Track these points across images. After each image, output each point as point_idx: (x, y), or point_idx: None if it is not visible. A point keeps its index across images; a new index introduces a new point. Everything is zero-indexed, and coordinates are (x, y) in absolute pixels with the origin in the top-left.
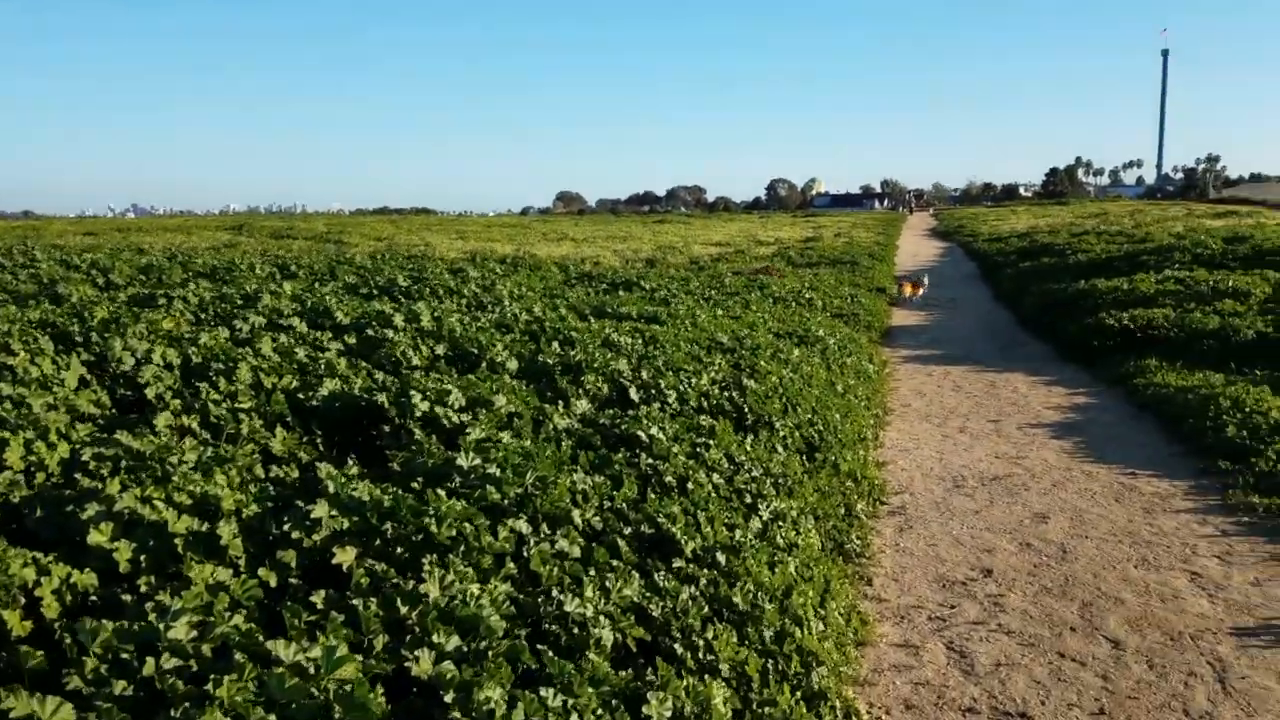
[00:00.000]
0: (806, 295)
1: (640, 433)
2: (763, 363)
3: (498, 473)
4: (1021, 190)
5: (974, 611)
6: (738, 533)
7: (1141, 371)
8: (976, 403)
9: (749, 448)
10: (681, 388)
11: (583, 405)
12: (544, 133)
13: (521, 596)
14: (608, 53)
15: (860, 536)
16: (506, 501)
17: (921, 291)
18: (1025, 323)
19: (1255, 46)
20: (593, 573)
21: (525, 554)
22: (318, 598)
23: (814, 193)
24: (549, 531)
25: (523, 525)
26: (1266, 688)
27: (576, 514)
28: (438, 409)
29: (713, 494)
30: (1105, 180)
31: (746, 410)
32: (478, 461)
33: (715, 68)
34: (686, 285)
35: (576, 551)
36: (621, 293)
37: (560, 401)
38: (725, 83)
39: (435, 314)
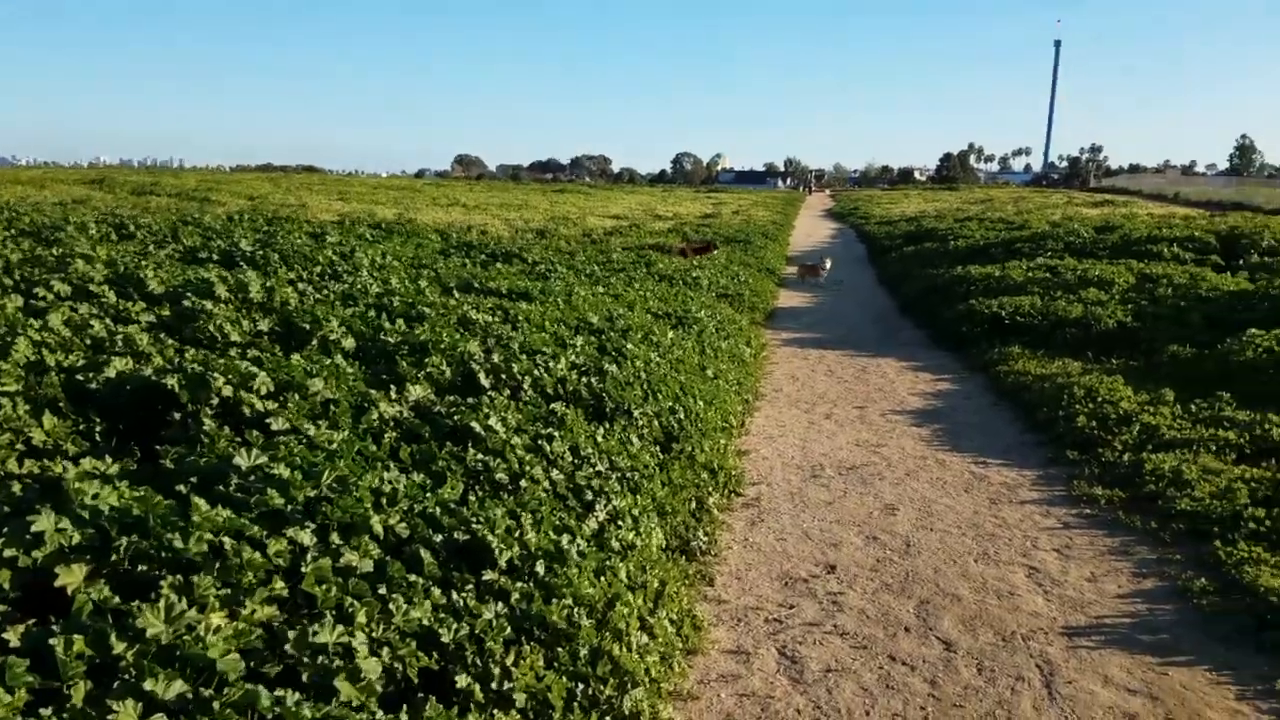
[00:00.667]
0: (694, 274)
1: (475, 424)
2: (630, 345)
3: (285, 473)
4: (917, 174)
5: (812, 611)
6: (565, 538)
7: (1005, 359)
8: (846, 388)
9: (600, 439)
10: (537, 373)
11: (419, 391)
12: (446, 94)
13: (278, 625)
14: (511, 15)
15: (709, 532)
16: (292, 508)
17: (824, 275)
18: (905, 308)
19: (1142, 41)
20: (383, 590)
21: (303, 570)
22: (13, 634)
23: (719, 169)
24: (341, 542)
25: (305, 536)
26: (1091, 693)
27: (377, 520)
28: (243, 394)
29: (548, 492)
30: (995, 167)
31: (605, 397)
32: (263, 460)
33: (625, 39)
34: (572, 259)
35: (368, 565)
36: (500, 265)
37: (394, 387)
38: (636, 54)
39: (267, 284)
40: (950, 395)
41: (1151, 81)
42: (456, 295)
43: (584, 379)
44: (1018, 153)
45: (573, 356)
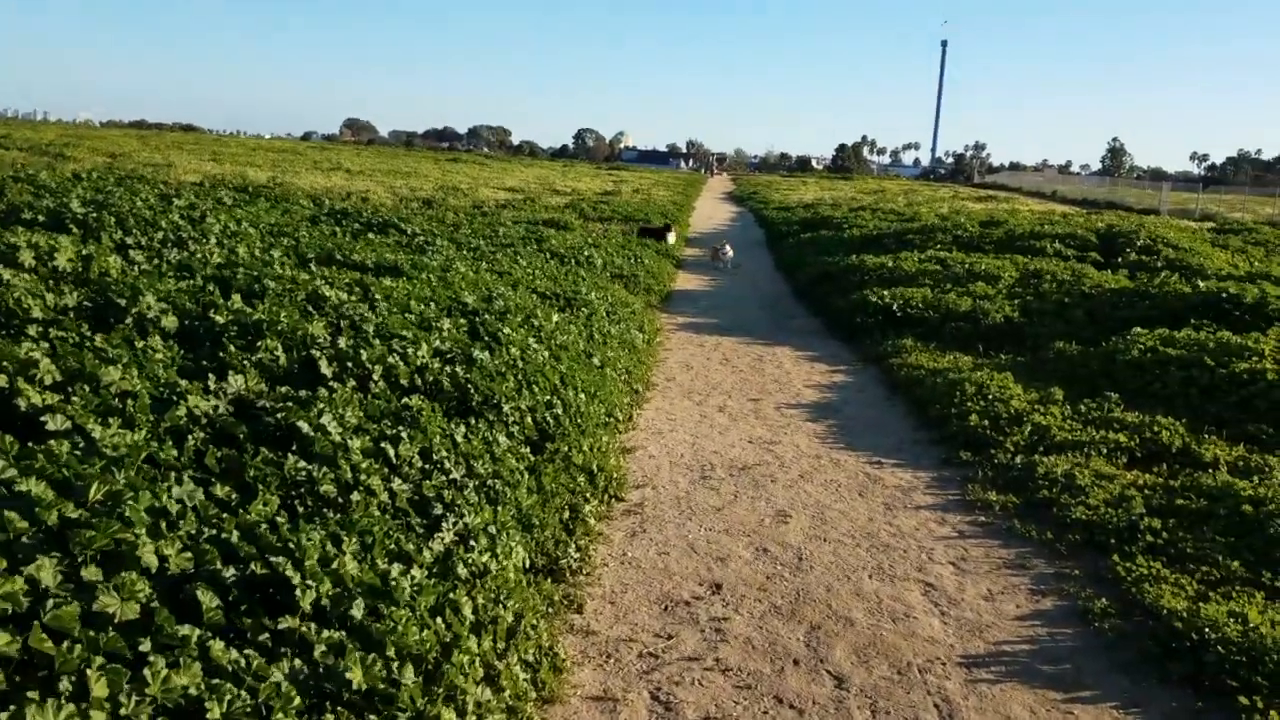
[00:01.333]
0: (587, 253)
1: (303, 423)
2: (508, 330)
3: (36, 489)
4: (814, 163)
5: (693, 643)
6: (398, 568)
7: (898, 351)
8: (742, 378)
9: (460, 438)
10: (391, 360)
11: (240, 383)
12: (337, 54)
13: None
14: None
15: (582, 547)
16: (37, 534)
17: (724, 260)
18: (800, 294)
19: (1024, 43)
20: (148, 644)
21: (41, 616)
22: None
23: (622, 146)
24: (100, 579)
25: (46, 573)
26: None
27: (149, 550)
28: (21, 384)
29: (386, 508)
30: (887, 160)
31: (472, 389)
32: (10, 473)
33: (527, 8)
34: (455, 232)
35: (131, 612)
36: (373, 235)
37: (215, 376)
38: (540, 25)
39: (83, 251)
40: (845, 388)
41: (1031, 82)
42: (313, 269)
43: (448, 368)
44: (908, 147)
45: (437, 342)
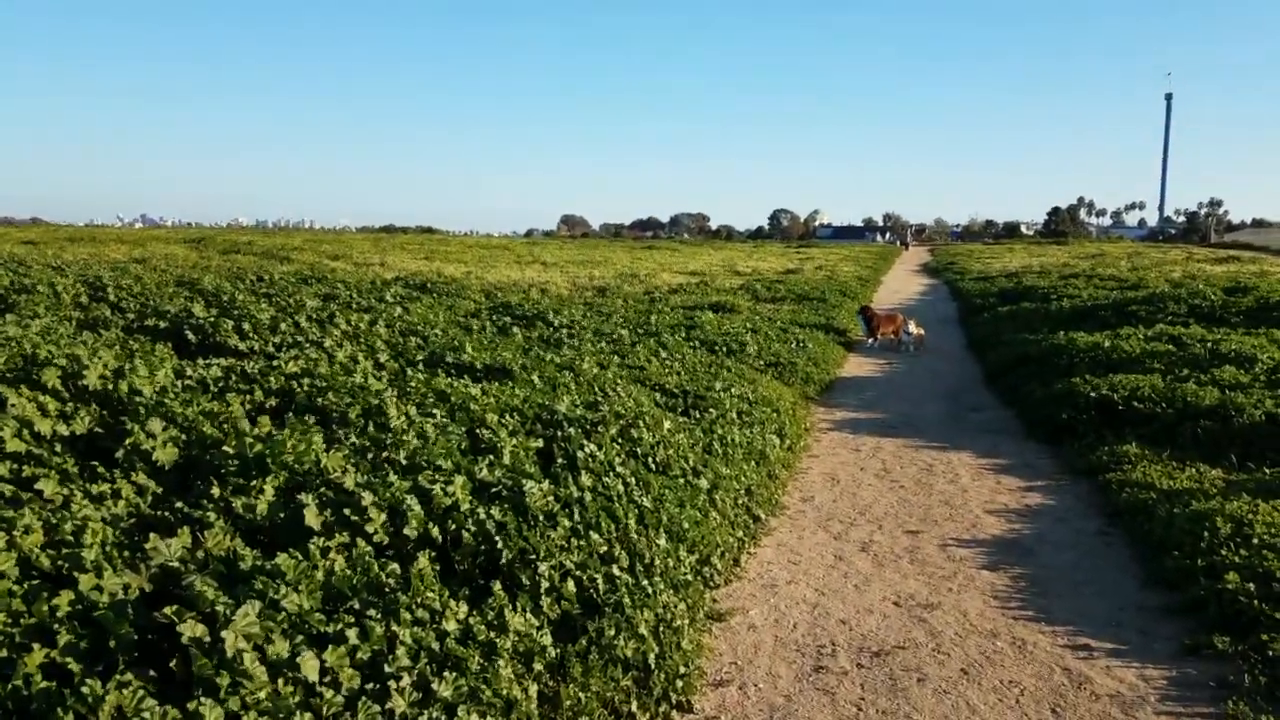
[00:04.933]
0: (742, 339)
1: (188, 627)
2: (592, 447)
3: None
4: (1023, 228)
5: None
6: None
7: (1117, 461)
8: (901, 498)
9: (457, 617)
10: (408, 503)
11: (175, 548)
12: (555, 154)
13: None
14: (616, 79)
15: None
16: None
17: (910, 337)
18: (991, 380)
19: (1258, 91)
20: None
21: None
22: None
23: (817, 223)
24: None
25: None
26: None
27: None
28: None
29: None
30: (1107, 221)
31: (500, 543)
32: None
33: (726, 97)
34: (605, 322)
35: None
36: (518, 329)
37: (155, 534)
38: (736, 111)
39: (117, 366)
40: (1041, 515)
41: (1270, 131)
42: (408, 374)
43: (483, 509)
44: (1130, 207)
45: (484, 472)
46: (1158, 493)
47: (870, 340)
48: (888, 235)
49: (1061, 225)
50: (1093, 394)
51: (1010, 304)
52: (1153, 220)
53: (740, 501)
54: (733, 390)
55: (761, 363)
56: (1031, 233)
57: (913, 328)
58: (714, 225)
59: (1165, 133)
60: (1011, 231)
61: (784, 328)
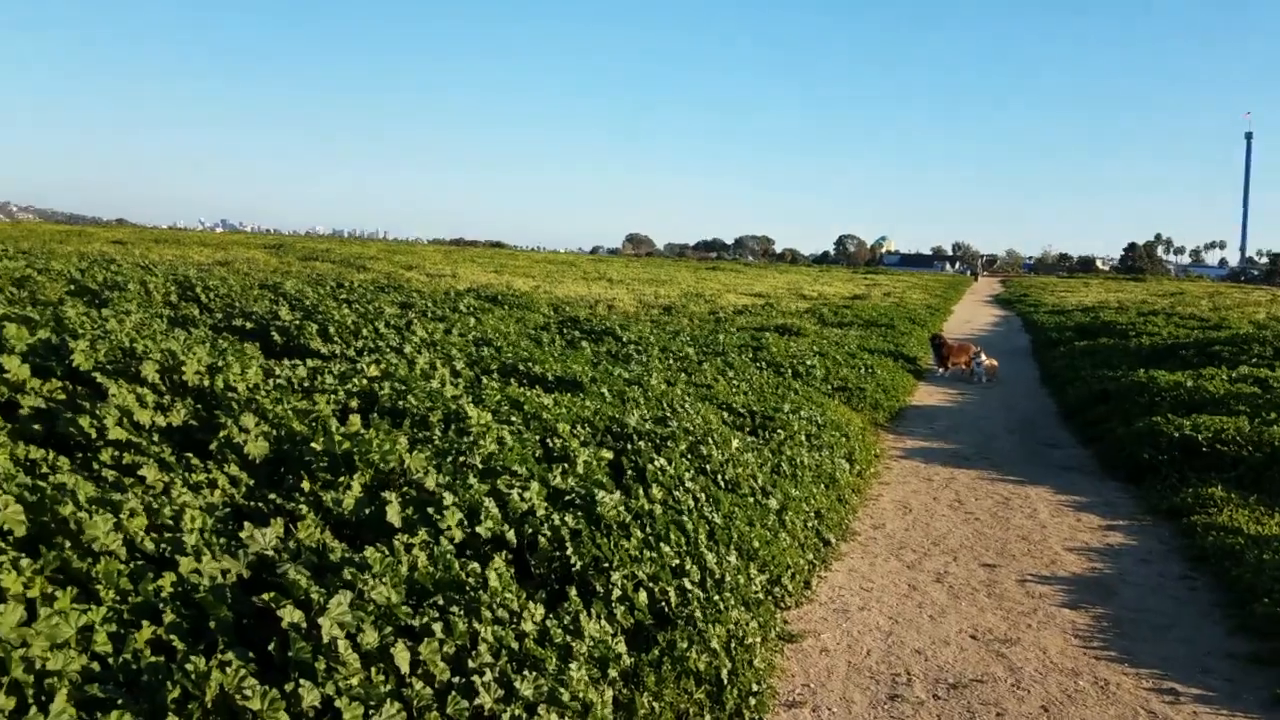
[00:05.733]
0: (809, 362)
1: (287, 613)
2: (662, 461)
3: None
4: (1099, 263)
5: None
6: None
7: (1202, 504)
8: (976, 530)
9: (535, 618)
10: (487, 505)
11: (268, 538)
12: (625, 177)
13: None
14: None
15: None
16: None
17: (979, 365)
18: (1069, 417)
19: None
20: None
21: None
22: None
23: (883, 250)
24: None
25: None
26: None
27: None
28: None
29: None
30: (1186, 259)
31: (573, 550)
32: None
33: (795, 121)
34: (673, 339)
35: None
36: (587, 343)
37: (253, 523)
38: (801, 131)
39: (214, 363)
40: (1123, 554)
41: None
42: (484, 382)
43: (557, 516)
44: (1211, 246)
45: (558, 479)
46: (1245, 537)
47: (940, 369)
48: (957, 265)
49: (1139, 261)
50: (1176, 434)
51: (1087, 339)
52: (1234, 260)
53: (810, 524)
54: (801, 412)
55: (829, 387)
56: (1107, 268)
57: (984, 358)
58: (779, 248)
59: (1245, 172)
60: (1086, 266)
61: (851, 353)
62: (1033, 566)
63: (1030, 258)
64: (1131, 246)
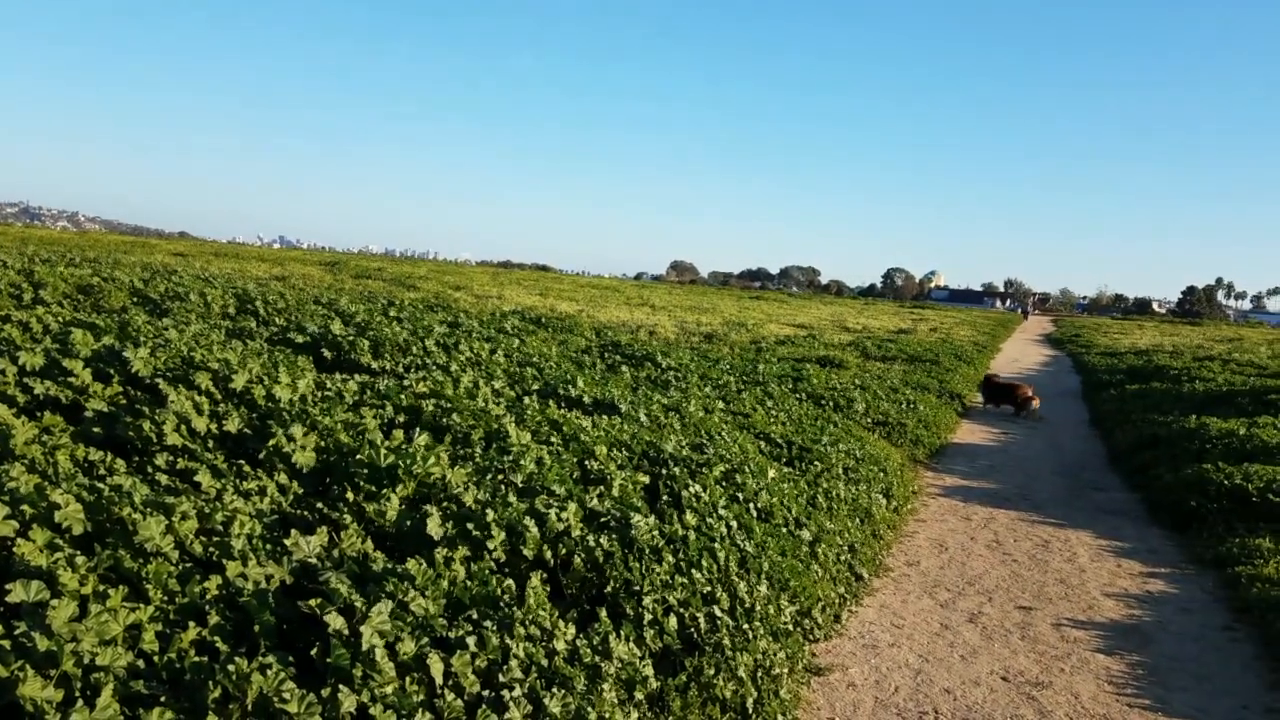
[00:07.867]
0: (850, 395)
1: (333, 618)
2: (697, 488)
3: None
4: (1155, 306)
5: None
6: None
7: (1248, 555)
8: (1013, 572)
9: (566, 637)
10: (526, 524)
11: (312, 545)
12: (670, 204)
13: None
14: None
15: None
16: None
17: (1031, 407)
18: (1116, 460)
19: None
20: None
21: None
22: None
23: (932, 285)
24: None
25: None
26: None
27: None
28: (35, 531)
29: None
30: (1247, 305)
31: (607, 571)
32: None
33: (846, 151)
34: (713, 367)
35: None
36: (627, 368)
37: (298, 531)
38: (851, 164)
39: (260, 372)
40: (1163, 603)
41: None
42: (531, 401)
43: (593, 537)
44: (1274, 292)
45: (595, 501)
46: None
47: (986, 405)
48: (1008, 302)
49: (1197, 305)
50: (1225, 482)
51: (1139, 382)
52: None
53: (843, 557)
54: (839, 445)
55: (869, 421)
56: (1164, 311)
57: (1035, 401)
58: (824, 279)
59: None
60: (1142, 308)
61: (894, 387)
62: (1069, 611)
63: (1084, 297)
64: (1190, 290)
